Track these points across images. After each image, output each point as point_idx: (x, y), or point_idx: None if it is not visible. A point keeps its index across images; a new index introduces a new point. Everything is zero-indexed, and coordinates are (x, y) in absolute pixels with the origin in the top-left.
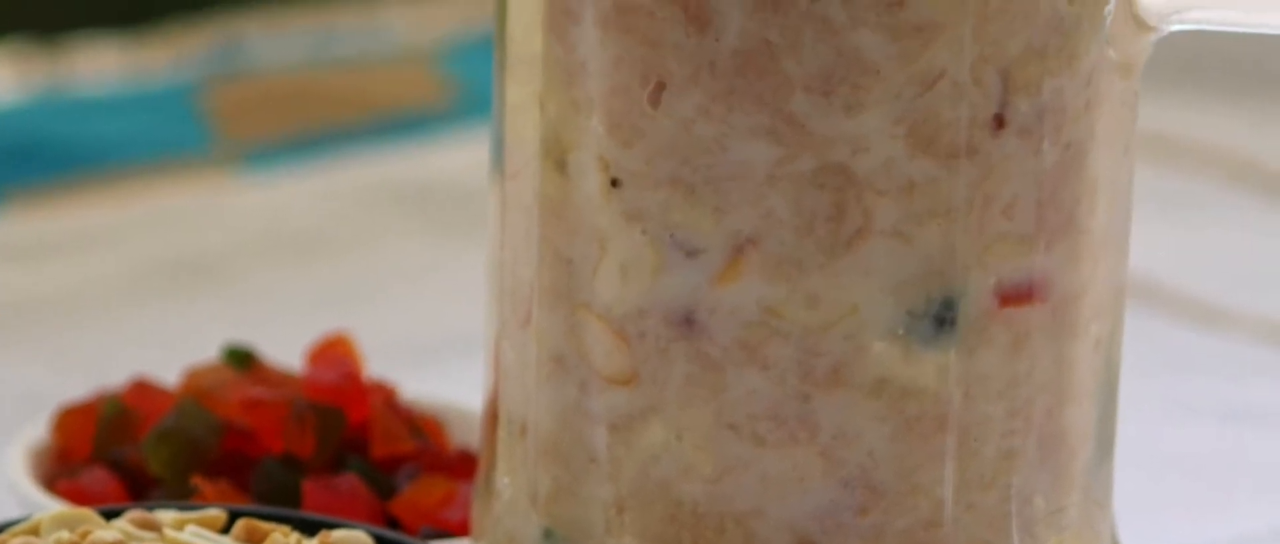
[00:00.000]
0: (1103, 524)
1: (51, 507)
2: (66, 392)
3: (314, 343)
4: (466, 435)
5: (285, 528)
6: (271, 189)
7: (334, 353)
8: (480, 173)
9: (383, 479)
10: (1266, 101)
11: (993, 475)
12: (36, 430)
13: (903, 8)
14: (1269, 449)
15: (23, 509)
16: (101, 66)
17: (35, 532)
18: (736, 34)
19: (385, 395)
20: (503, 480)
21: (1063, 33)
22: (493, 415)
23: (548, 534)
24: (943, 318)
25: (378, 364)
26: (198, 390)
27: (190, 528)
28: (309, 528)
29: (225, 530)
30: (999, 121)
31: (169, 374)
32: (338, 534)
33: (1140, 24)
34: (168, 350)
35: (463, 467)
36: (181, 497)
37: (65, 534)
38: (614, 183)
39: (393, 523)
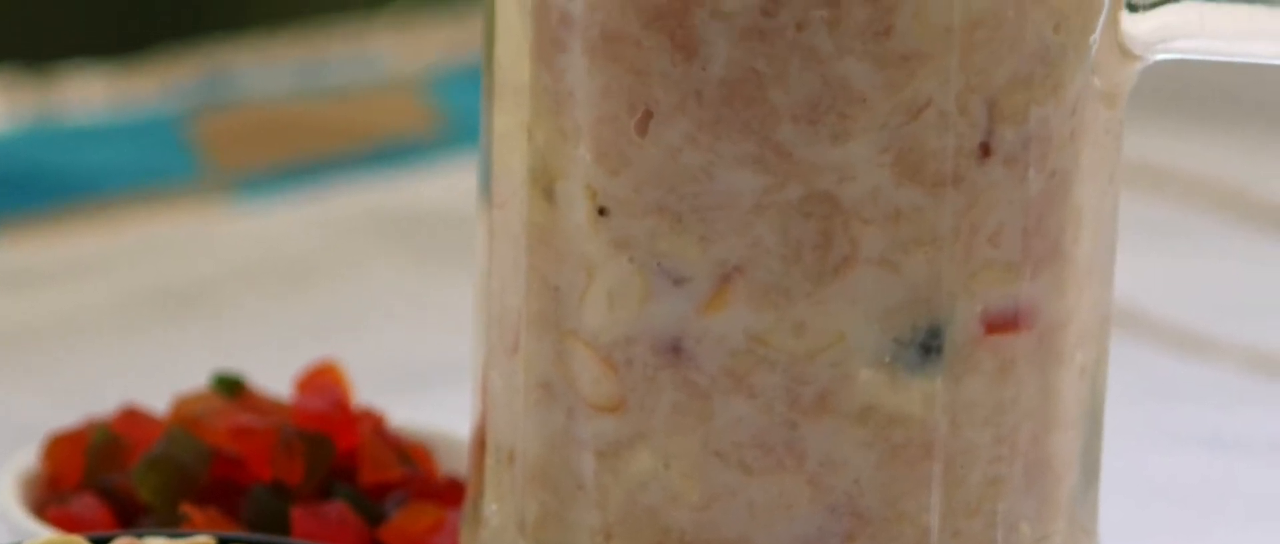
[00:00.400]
0: None
1: (42, 534)
2: (56, 419)
3: (303, 371)
4: (455, 463)
5: None
6: (261, 218)
7: (322, 381)
8: (468, 201)
9: (371, 506)
10: (1251, 130)
11: (979, 502)
12: (27, 458)
13: (889, 37)
14: (1254, 477)
15: (13, 536)
16: (91, 96)
17: None
18: (723, 63)
19: (373, 423)
20: (491, 507)
21: (1048, 62)
22: (481, 443)
23: None
24: (929, 345)
25: (366, 392)
26: (187, 418)
27: None
28: None
29: None
30: (985, 150)
31: (158, 402)
32: None
33: (1125, 53)
34: (157, 378)
35: (451, 494)
36: (171, 524)
37: None
38: (601, 211)
39: None
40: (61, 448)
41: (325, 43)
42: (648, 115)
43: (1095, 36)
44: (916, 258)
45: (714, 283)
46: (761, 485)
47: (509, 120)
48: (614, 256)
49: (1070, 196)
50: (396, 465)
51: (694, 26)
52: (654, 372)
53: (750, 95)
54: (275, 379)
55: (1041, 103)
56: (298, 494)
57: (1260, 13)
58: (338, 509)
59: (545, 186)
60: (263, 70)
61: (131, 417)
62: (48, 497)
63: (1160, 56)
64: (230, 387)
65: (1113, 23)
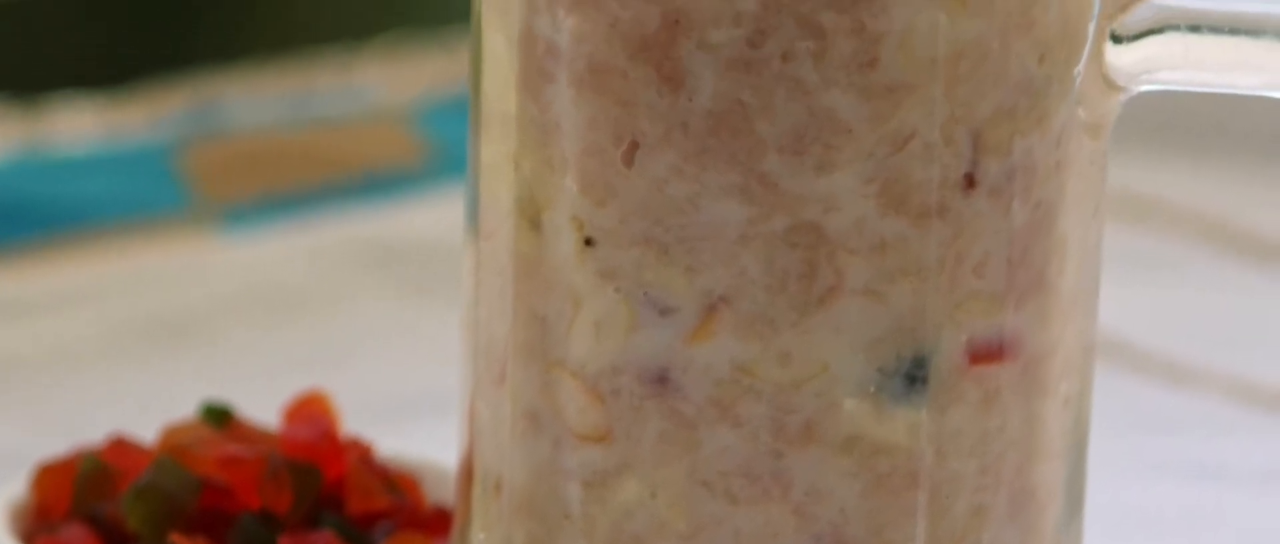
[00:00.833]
0: None
1: None
2: (45, 449)
3: (291, 401)
4: (442, 492)
5: None
6: (249, 248)
7: (310, 410)
8: (455, 232)
9: (359, 535)
10: (1236, 161)
11: (963, 532)
12: (16, 487)
13: (874, 69)
14: (1239, 508)
15: None
16: (79, 126)
17: None
18: (709, 94)
19: (361, 452)
20: (478, 537)
21: (1033, 93)
22: (468, 472)
23: None
24: (914, 376)
25: (354, 421)
26: (175, 448)
27: None
28: None
29: None
30: (970, 181)
31: (147, 432)
32: None
33: (1110, 84)
34: (146, 408)
35: (438, 523)
36: None
37: None
38: (588, 242)
39: None
40: (50, 477)
41: (313, 74)
42: (634, 146)
43: (1080, 68)
44: (901, 288)
45: (700, 313)
46: (747, 515)
47: (496, 151)
48: (600, 287)
49: (1055, 227)
50: (384, 495)
51: (680, 58)
52: (640, 401)
53: (736, 126)
54: (263, 409)
55: (1026, 134)
56: (286, 523)
57: (1244, 44)
58: (325, 538)
59: (532, 217)
60: (251, 101)
61: (120, 446)
62: (37, 526)
63: (1145, 88)
64: (218, 416)
65: (1097, 54)
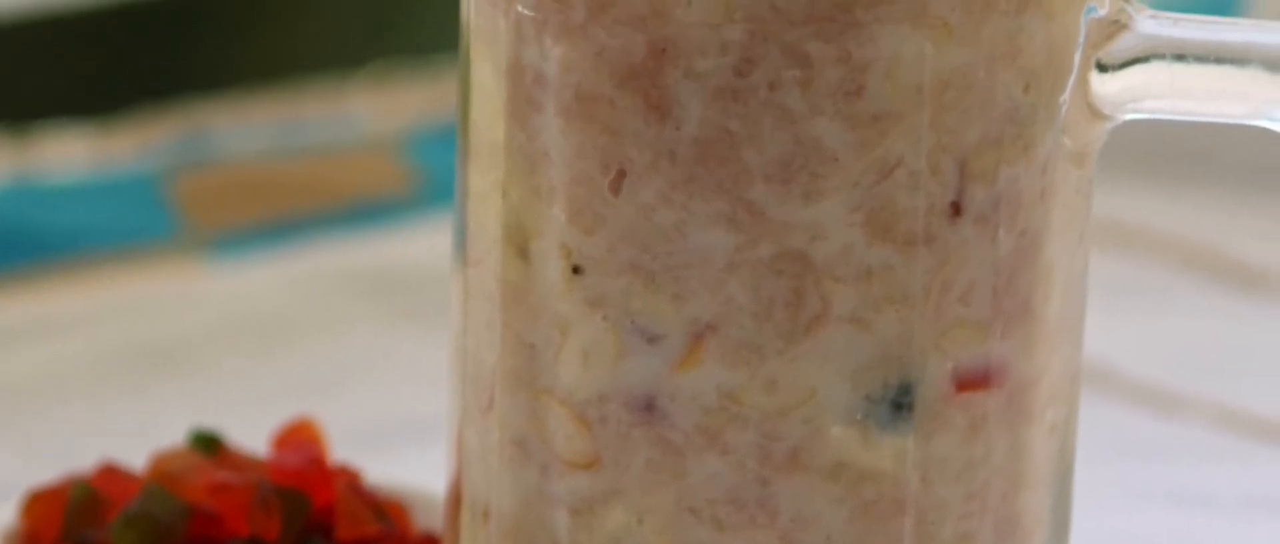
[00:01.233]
0: None
1: None
2: (35, 476)
3: (279, 428)
4: (430, 519)
5: None
6: (238, 276)
7: (299, 437)
8: (443, 260)
9: None
10: (1221, 189)
11: None
12: (6, 514)
13: (860, 97)
14: (1224, 535)
15: None
16: (69, 155)
17: None
18: (696, 123)
19: (349, 479)
20: None
21: (1018, 122)
22: (456, 499)
23: None
24: (900, 403)
25: (342, 449)
26: (165, 475)
27: None
28: None
29: None
30: (955, 209)
31: (137, 459)
32: None
33: (1095, 113)
34: (135, 435)
35: None
36: None
37: None
38: (575, 270)
39: None
40: (40, 504)
41: (303, 103)
42: (621, 175)
43: (1065, 97)
44: (888, 316)
45: (687, 341)
46: (734, 542)
47: (484, 180)
48: (588, 315)
49: (1041, 255)
50: (372, 521)
51: (667, 87)
52: (628, 429)
53: (723, 155)
54: (252, 436)
55: (1012, 163)
56: None
57: (1229, 73)
58: None
59: (520, 245)
60: (241, 130)
61: (110, 473)
62: None
63: (1130, 116)
64: (208, 444)
65: (1082, 83)
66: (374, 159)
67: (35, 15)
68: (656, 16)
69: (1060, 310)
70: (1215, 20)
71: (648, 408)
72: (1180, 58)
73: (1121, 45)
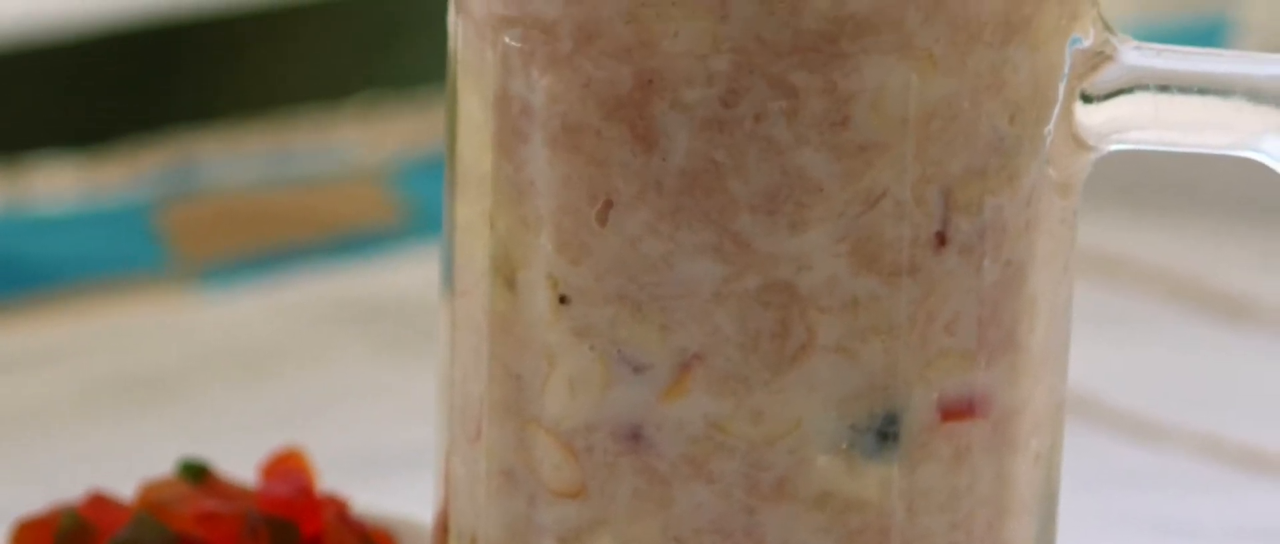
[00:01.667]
0: None
1: None
2: (24, 505)
3: (268, 457)
4: None
5: None
6: (226, 306)
7: (287, 467)
8: (431, 290)
9: None
10: (1205, 220)
11: None
12: None
13: (846, 128)
14: None
15: None
16: (58, 185)
17: None
18: (683, 154)
19: (337, 509)
20: None
21: (1003, 153)
22: (443, 529)
23: None
24: (886, 432)
25: (331, 478)
26: (153, 504)
27: None
28: None
29: None
30: (941, 240)
31: (125, 488)
32: None
33: (1079, 144)
34: (124, 465)
35: None
36: None
37: None
38: (562, 299)
39: None
40: (29, 533)
41: (291, 134)
42: (608, 205)
43: (1050, 128)
44: (873, 346)
45: (674, 370)
46: None
47: (471, 210)
48: (575, 344)
49: (1025, 285)
50: None
51: (654, 117)
52: (614, 458)
53: (709, 185)
54: (241, 465)
55: (996, 193)
56: None
57: (1214, 104)
58: None
59: (507, 275)
60: (229, 161)
61: (99, 502)
62: None
63: (1114, 147)
64: (196, 473)
65: (1067, 114)
66: (362, 190)
67: (24, 46)
68: (643, 48)
69: (1045, 340)
70: (1199, 51)
71: (634, 437)
72: (1164, 89)
73: (1106, 76)
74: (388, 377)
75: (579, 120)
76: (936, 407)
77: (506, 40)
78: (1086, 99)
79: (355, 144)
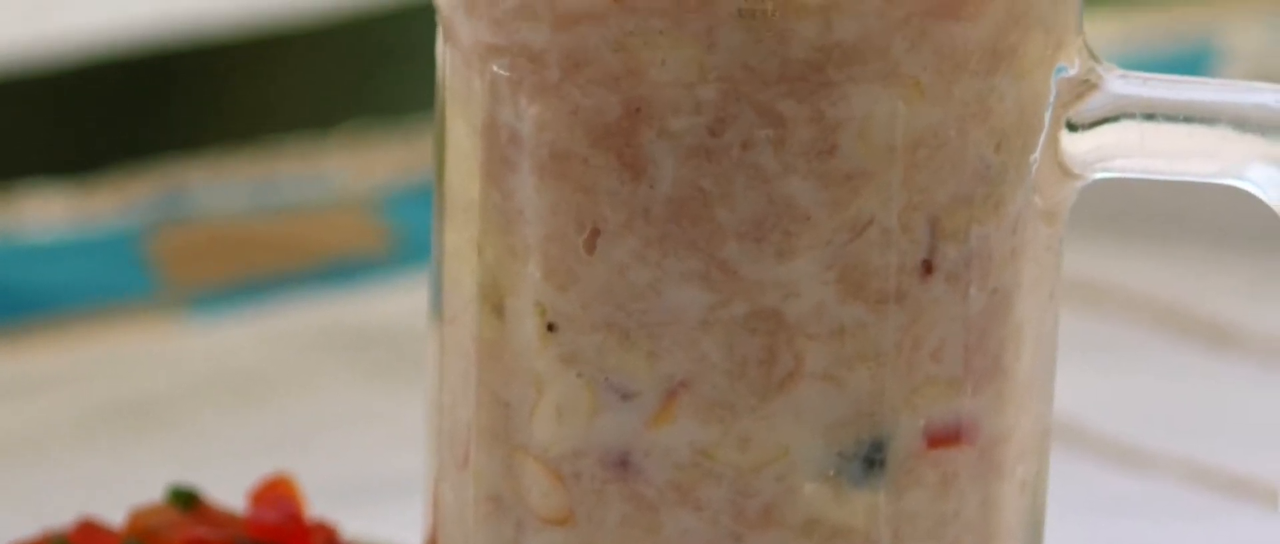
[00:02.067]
0: None
1: None
2: (14, 532)
3: (257, 484)
4: None
5: None
6: (215, 334)
7: (277, 494)
8: (419, 318)
9: None
10: (1191, 248)
11: None
12: None
13: (833, 156)
14: None
15: None
16: (48, 213)
17: None
18: (670, 182)
19: (327, 535)
20: None
21: (989, 181)
22: None
23: None
24: (872, 459)
25: (320, 505)
26: (143, 530)
27: None
28: None
29: None
30: (927, 267)
31: (115, 515)
32: None
33: (1065, 172)
34: (113, 491)
35: None
36: None
37: None
38: (550, 327)
39: None
40: None
41: (279, 162)
42: (596, 233)
43: (1036, 156)
44: (860, 373)
45: (661, 398)
46: None
47: (459, 238)
48: (563, 372)
49: (1011, 313)
50: None
51: (641, 146)
52: (602, 485)
53: (697, 213)
54: (230, 492)
55: (983, 221)
56: None
57: (1199, 132)
58: None
59: (495, 303)
60: (218, 188)
61: (88, 529)
62: None
63: (1100, 175)
64: (186, 499)
65: (1053, 142)
66: (350, 217)
67: (13, 74)
68: (631, 76)
69: (1031, 367)
70: (1185, 79)
71: (622, 464)
72: (1150, 117)
73: (1092, 104)
74: (377, 403)
75: (567, 148)
76: (923, 434)
77: (495, 69)
78: (1072, 127)
79: (344, 172)
